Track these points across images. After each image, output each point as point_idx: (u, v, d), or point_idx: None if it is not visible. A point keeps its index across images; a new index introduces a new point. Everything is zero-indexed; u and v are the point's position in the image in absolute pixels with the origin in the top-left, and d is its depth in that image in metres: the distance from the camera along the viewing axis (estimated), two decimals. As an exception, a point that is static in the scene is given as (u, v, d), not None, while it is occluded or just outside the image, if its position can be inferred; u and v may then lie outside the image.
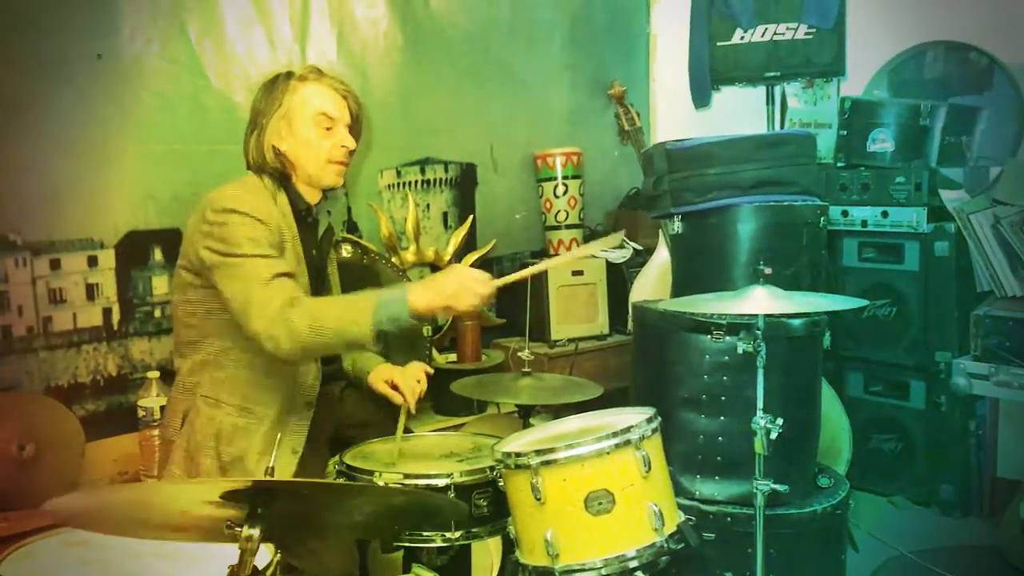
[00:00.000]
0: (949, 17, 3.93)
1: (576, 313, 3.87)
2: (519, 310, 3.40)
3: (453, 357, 3.68)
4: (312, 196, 2.42)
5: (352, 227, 3.54)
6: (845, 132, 3.81)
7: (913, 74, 4.20)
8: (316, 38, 3.40)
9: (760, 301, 2.07)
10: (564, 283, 3.85)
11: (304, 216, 2.41)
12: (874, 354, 3.76)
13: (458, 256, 3.84)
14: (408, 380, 2.51)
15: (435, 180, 3.83)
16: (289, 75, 2.39)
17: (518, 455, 2.02)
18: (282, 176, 2.36)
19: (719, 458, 2.62)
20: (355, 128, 2.45)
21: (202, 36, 3.11)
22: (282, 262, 2.24)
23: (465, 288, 2.16)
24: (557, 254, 3.96)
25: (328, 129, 2.37)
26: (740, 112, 3.99)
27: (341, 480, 2.19)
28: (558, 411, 2.97)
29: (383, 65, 3.61)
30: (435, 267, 3.79)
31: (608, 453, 1.99)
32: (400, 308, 2.14)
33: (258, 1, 3.24)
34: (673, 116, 4.36)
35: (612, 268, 3.98)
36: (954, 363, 1.90)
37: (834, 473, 2.87)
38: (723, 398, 2.60)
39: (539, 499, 1.98)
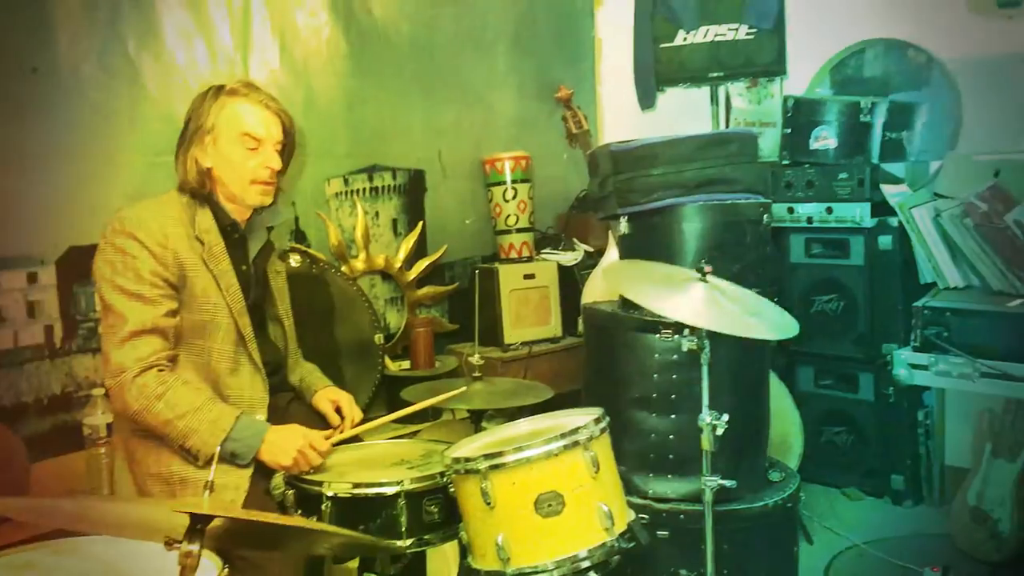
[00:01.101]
0: (888, 15, 3.99)
1: (529, 317, 3.88)
2: (471, 315, 3.40)
3: (407, 364, 3.66)
4: (239, 212, 2.37)
5: (300, 237, 3.51)
6: (789, 130, 3.87)
7: (854, 72, 4.27)
8: (258, 47, 3.38)
9: (699, 300, 2.08)
10: (516, 287, 3.86)
11: (230, 232, 2.37)
12: (823, 348, 3.81)
13: (409, 262, 3.83)
14: (353, 409, 2.53)
15: (383, 187, 3.81)
16: (220, 89, 2.34)
17: (467, 460, 2.02)
18: (205, 192, 2.32)
19: (671, 456, 2.64)
20: (287, 147, 2.40)
21: (140, 47, 3.08)
22: (159, 307, 2.18)
23: (303, 455, 2.19)
24: (508, 258, 3.97)
25: (253, 148, 2.30)
26: (686, 112, 4.03)
27: (290, 492, 2.17)
28: (513, 415, 2.98)
29: (327, 73, 3.59)
30: (385, 274, 3.78)
31: (557, 455, 1.99)
32: (246, 451, 2.18)
33: (198, 11, 3.21)
34: (620, 118, 4.39)
35: (564, 271, 4.00)
36: (895, 354, 1.92)
37: (785, 467, 2.91)
38: (673, 396, 2.62)
39: (489, 503, 1.97)
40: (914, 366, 1.89)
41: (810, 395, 3.85)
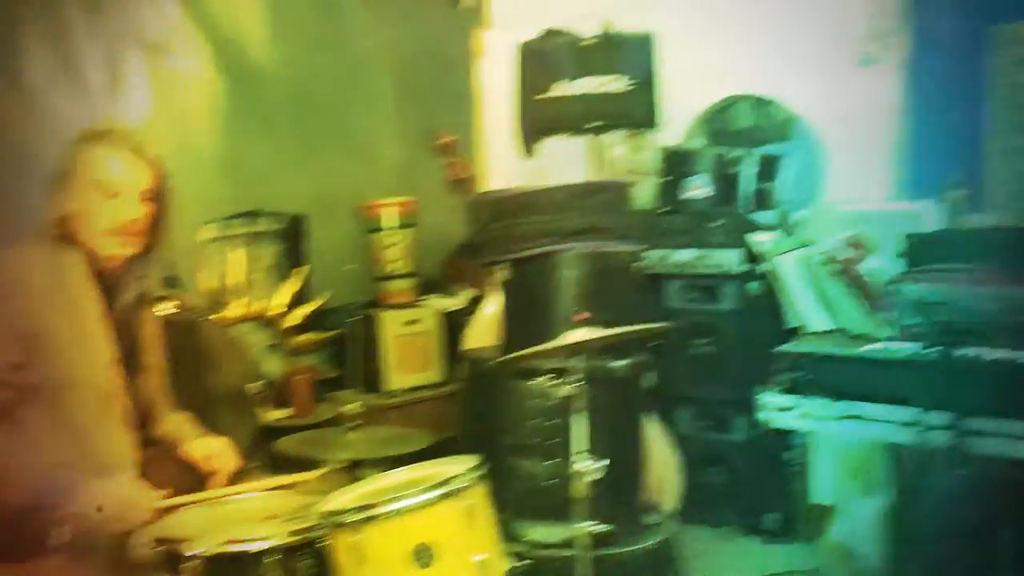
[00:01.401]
0: (756, 71, 4.18)
1: (412, 362, 3.85)
2: (353, 361, 3.37)
3: (286, 413, 3.58)
4: (106, 260, 2.29)
5: (172, 283, 3.40)
6: (664, 179, 3.99)
7: (726, 124, 4.45)
8: (129, 90, 3.29)
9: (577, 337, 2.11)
10: (399, 333, 3.83)
11: (99, 280, 2.28)
12: (700, 391, 3.92)
13: (288, 309, 3.76)
14: (227, 461, 2.45)
15: (262, 233, 3.74)
16: (87, 134, 2.26)
17: (338, 513, 1.98)
18: (70, 240, 2.23)
19: (550, 502, 2.65)
20: (158, 194, 2.33)
21: (4, 88, 2.95)
22: None
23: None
24: (391, 304, 3.94)
25: (112, 196, 2.20)
26: (567, 161, 4.11)
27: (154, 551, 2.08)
28: (396, 463, 2.93)
29: (203, 117, 3.53)
30: (264, 321, 3.70)
31: (432, 505, 1.97)
32: None
33: (66, 52, 3.11)
34: (503, 165, 4.45)
35: (447, 316, 3.99)
36: (760, 397, 1.99)
37: (661, 510, 2.96)
38: (552, 441, 2.64)
39: (361, 557, 1.93)
40: (778, 409, 1.95)
41: (688, 437, 3.93)
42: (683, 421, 3.98)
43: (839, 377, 1.90)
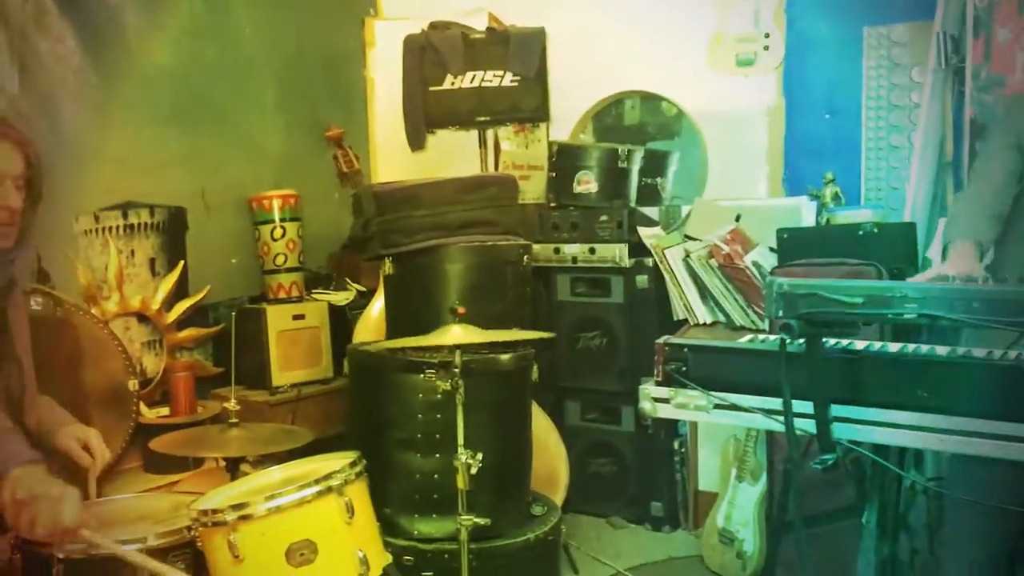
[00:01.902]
0: (642, 69, 4.26)
1: (298, 358, 3.78)
2: (237, 357, 3.28)
3: (165, 411, 3.47)
4: None
5: (43, 277, 3.26)
6: (554, 174, 4.03)
7: (614, 120, 4.53)
8: (-2, 74, 3.13)
9: (455, 338, 2.11)
10: (285, 328, 3.76)
11: None
12: (589, 383, 3.99)
13: (168, 304, 3.64)
14: (103, 446, 2.34)
15: (140, 225, 3.61)
16: None
17: (214, 512, 1.93)
18: None
19: (435, 496, 2.64)
20: (30, 180, 2.22)
21: None
22: None
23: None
24: (277, 298, 3.86)
25: None
26: (456, 154, 4.11)
27: (17, 556, 1.99)
28: (281, 460, 2.88)
29: (75, 104, 3.37)
30: (142, 316, 3.58)
31: (309, 502, 1.94)
32: None
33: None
34: (393, 158, 4.41)
35: (335, 311, 3.94)
36: (640, 388, 2.02)
37: (548, 501, 2.99)
38: (437, 436, 2.64)
39: (237, 556, 1.89)
40: (656, 399, 1.98)
41: (577, 428, 4.00)
42: (572, 413, 4.04)
43: (714, 368, 1.94)
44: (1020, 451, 1.57)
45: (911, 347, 1.90)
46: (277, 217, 3.86)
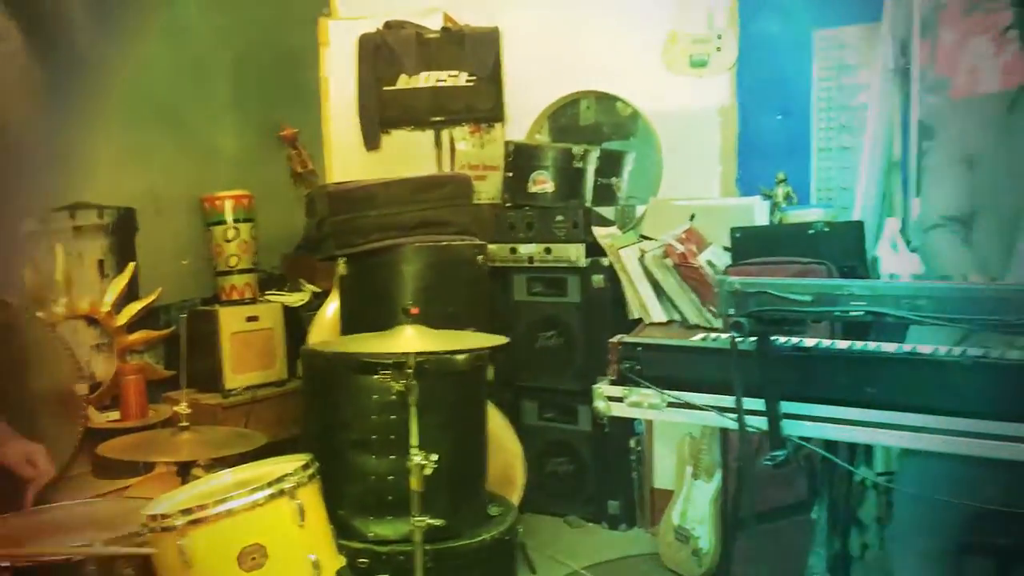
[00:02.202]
0: (597, 69, 4.27)
1: (252, 360, 3.75)
2: (189, 360, 3.24)
3: (115, 415, 3.41)
4: None
5: (-11, 279, 3.19)
6: (510, 174, 4.02)
7: (570, 120, 4.54)
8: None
9: (409, 340, 2.10)
10: (238, 329, 3.72)
11: None
12: (547, 382, 3.99)
13: (118, 306, 3.58)
14: (48, 461, 2.31)
15: (88, 226, 3.55)
16: None
17: (163, 516, 1.90)
18: None
19: (390, 497, 2.63)
20: None
21: None
22: None
23: None
24: (230, 300, 3.81)
25: None
26: (412, 154, 4.08)
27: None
28: (234, 464, 2.84)
29: (21, 103, 3.30)
30: (91, 319, 3.51)
31: (261, 505, 1.92)
32: None
33: None
34: (348, 158, 4.37)
35: (290, 312, 3.91)
36: (594, 388, 2.03)
37: (504, 501, 2.99)
38: (392, 437, 2.62)
39: (187, 562, 1.87)
40: (610, 398, 1.99)
41: (534, 428, 4.00)
42: (530, 412, 4.04)
43: (667, 366, 1.95)
44: (967, 446, 1.60)
45: (859, 344, 1.93)
46: (230, 218, 3.81)
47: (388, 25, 3.88)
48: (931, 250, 2.37)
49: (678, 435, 3.59)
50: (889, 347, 1.87)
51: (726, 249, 3.51)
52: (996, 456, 1.60)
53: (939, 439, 1.63)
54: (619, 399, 2.01)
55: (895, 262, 3.09)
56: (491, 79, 3.78)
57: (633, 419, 3.76)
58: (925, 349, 1.77)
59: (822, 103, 3.83)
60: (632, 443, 3.91)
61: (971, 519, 2.23)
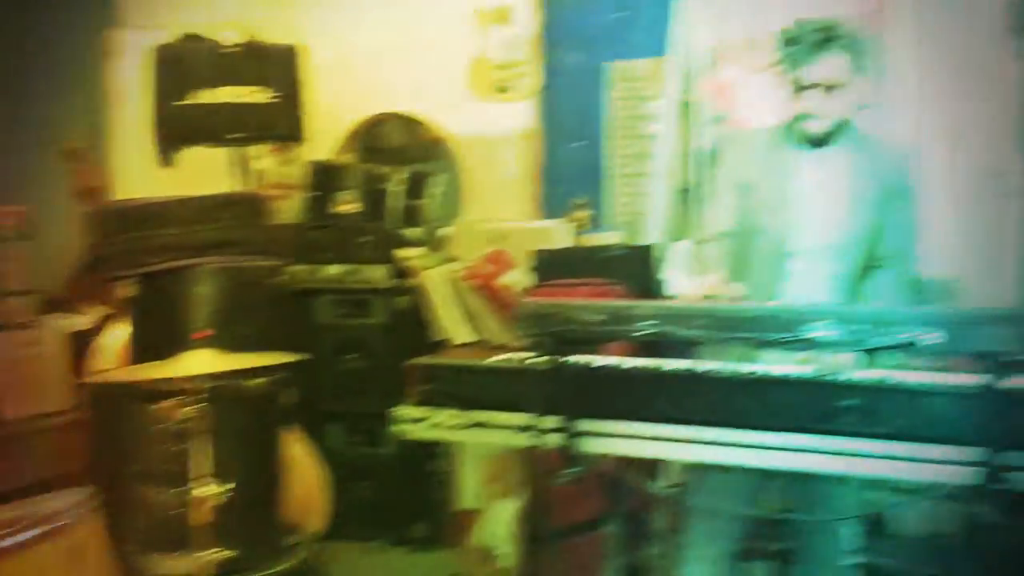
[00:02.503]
0: (404, 89, 4.28)
1: (29, 388, 3.46)
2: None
3: None
4: None
5: None
6: (314, 194, 3.95)
7: (377, 142, 4.51)
8: None
9: (198, 363, 2.01)
10: (15, 356, 3.44)
11: None
12: (351, 406, 3.91)
13: None
14: None
15: None
16: None
17: (-87, 566, 1.72)
18: None
19: (179, 531, 2.48)
20: None
21: None
22: None
23: None
24: (4, 324, 3.52)
25: None
26: (209, 172, 3.92)
27: None
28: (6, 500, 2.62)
29: None
30: None
31: (32, 546, 1.77)
32: None
33: None
34: (140, 175, 4.15)
35: (73, 336, 3.64)
36: (394, 410, 2.01)
37: (303, 529, 2.90)
38: (180, 467, 2.48)
39: (-58, 613, 1.70)
40: (411, 420, 1.98)
41: (338, 452, 3.90)
42: (333, 436, 3.94)
43: (467, 387, 1.96)
44: (748, 456, 1.70)
45: (650, 362, 2.01)
46: (3, 237, 3.51)
47: (184, 37, 3.72)
48: (711, 265, 2.50)
49: (482, 455, 3.62)
50: (677, 364, 1.95)
51: (530, 270, 3.59)
52: (772, 467, 1.71)
53: (724, 451, 1.72)
54: (420, 421, 2.00)
55: (685, 283, 3.26)
56: (291, 97, 3.69)
57: (435, 441, 3.76)
58: (710, 365, 1.87)
59: (618, 131, 4.00)
60: (437, 465, 3.90)
61: (752, 526, 2.37)
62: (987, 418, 1.50)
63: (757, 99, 3.37)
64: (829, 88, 2.19)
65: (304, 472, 3.39)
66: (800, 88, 2.22)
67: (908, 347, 1.57)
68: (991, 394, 1.48)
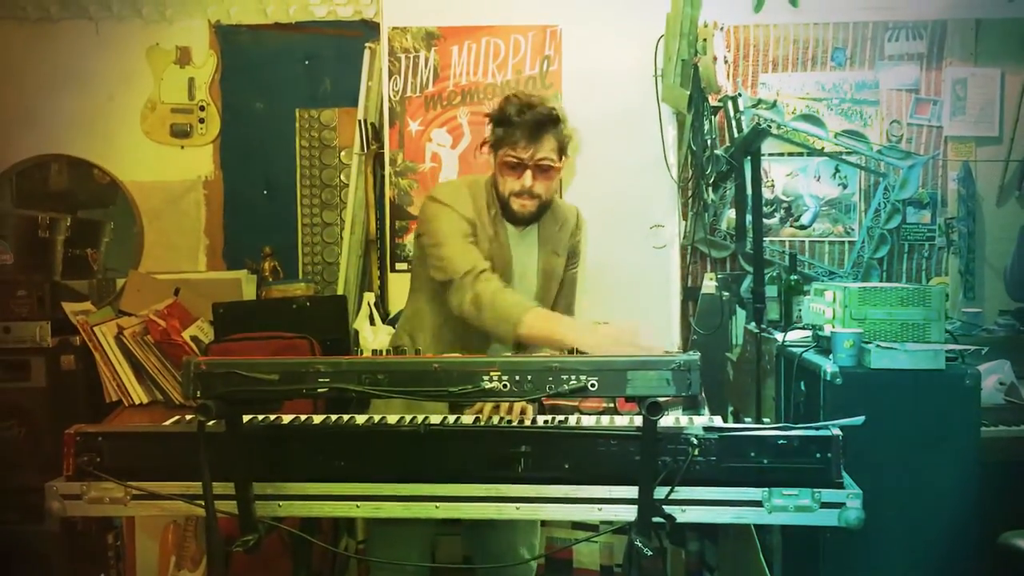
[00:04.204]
0: (71, 131, 3.96)
1: None
2: None
3: None
4: None
5: None
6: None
7: (37, 185, 4.12)
8: None
9: None
10: None
11: None
12: (5, 481, 3.49)
13: None
14: None
15: None
16: None
17: None
18: None
19: None
20: None
21: None
22: None
23: None
24: None
25: None
26: None
27: None
28: None
29: None
30: None
31: None
32: None
33: None
34: None
35: None
36: (46, 486, 1.81)
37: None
38: None
39: None
40: (66, 496, 1.79)
41: (-8, 534, 3.47)
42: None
43: (133, 455, 1.81)
44: (427, 509, 1.69)
45: (333, 418, 1.97)
46: None
47: None
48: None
49: (161, 524, 3.36)
50: (359, 419, 1.93)
51: (211, 323, 3.42)
52: (455, 516, 1.72)
53: (400, 506, 1.71)
54: (77, 496, 1.82)
55: (372, 334, 3.25)
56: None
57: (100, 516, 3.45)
58: (389, 419, 1.86)
59: (306, 180, 3.94)
60: (110, 538, 3.57)
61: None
62: (641, 456, 1.61)
63: (442, 152, 3.48)
64: (539, 168, 2.21)
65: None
66: (510, 167, 2.22)
67: (579, 392, 1.64)
68: (644, 434, 1.59)
